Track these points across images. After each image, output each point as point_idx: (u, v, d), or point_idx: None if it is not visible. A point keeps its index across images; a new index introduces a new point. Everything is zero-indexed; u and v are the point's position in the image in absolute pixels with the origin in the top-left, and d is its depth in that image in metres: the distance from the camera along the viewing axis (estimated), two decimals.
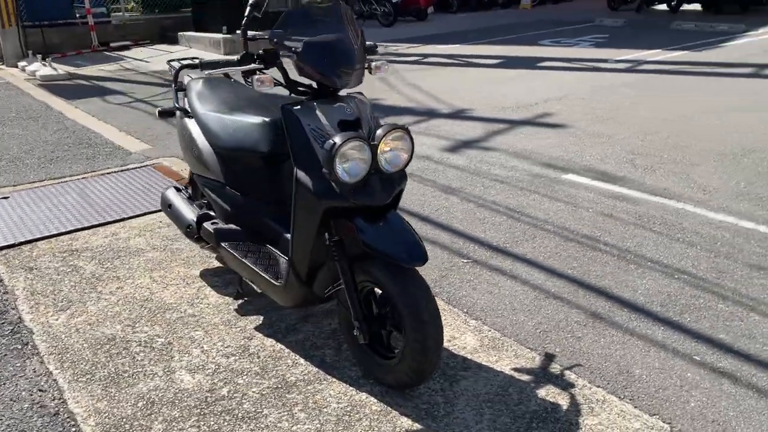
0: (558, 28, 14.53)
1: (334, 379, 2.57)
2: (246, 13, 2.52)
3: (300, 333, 2.90)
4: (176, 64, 3.32)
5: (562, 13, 17.43)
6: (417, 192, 4.68)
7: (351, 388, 2.51)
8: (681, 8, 16.65)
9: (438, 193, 4.67)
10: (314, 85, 2.42)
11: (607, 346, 2.78)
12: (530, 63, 10.02)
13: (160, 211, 4.20)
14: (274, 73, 2.47)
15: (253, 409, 2.41)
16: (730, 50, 10.82)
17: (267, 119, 2.77)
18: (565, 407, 2.36)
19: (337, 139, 2.18)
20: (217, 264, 3.53)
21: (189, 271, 3.53)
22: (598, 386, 2.50)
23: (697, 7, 16.91)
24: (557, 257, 3.61)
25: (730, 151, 5.37)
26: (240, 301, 3.19)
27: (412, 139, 2.33)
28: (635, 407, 2.37)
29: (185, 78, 3.31)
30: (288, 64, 2.44)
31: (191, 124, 3.10)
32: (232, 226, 2.94)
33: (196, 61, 3.18)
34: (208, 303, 3.19)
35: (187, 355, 2.76)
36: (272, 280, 2.64)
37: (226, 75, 3.40)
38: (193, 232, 3.16)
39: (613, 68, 9.36)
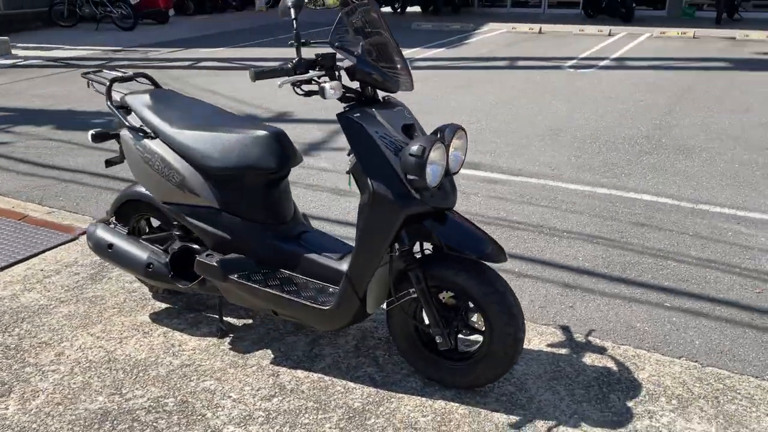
0: (310, 30, 14.92)
1: (400, 394, 2.47)
2: (294, 16, 2.26)
3: (326, 357, 2.70)
4: (100, 78, 2.82)
5: (303, 15, 17.91)
6: (315, 200, 4.56)
7: (422, 398, 2.44)
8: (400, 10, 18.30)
9: (332, 195, 4.60)
10: (358, 89, 2.29)
11: (597, 309, 3.11)
12: None
13: (28, 258, 3.51)
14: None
15: None
16: (477, 46, 12.33)
17: (268, 132, 2.53)
18: (615, 368, 2.61)
19: (427, 144, 2.11)
20: (160, 305, 3.08)
21: (134, 318, 3.00)
22: (623, 344, 2.80)
23: (416, 9, 18.77)
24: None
25: (545, 132, 6.21)
26: (227, 339, 2.84)
27: (467, 138, 2.35)
28: (663, 355, 2.72)
29: (117, 94, 2.81)
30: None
31: (157, 146, 2.65)
32: (236, 255, 2.61)
33: (129, 72, 2.76)
34: (192, 348, 2.78)
35: (220, 408, 2.40)
36: (314, 305, 2.43)
37: (153, 82, 2.98)
38: (160, 272, 2.73)
39: None
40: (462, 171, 5.06)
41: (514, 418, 2.33)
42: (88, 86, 2.95)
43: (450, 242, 2.23)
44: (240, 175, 2.55)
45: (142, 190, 2.95)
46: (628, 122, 6.51)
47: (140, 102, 2.73)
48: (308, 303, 2.44)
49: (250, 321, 2.97)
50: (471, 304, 2.37)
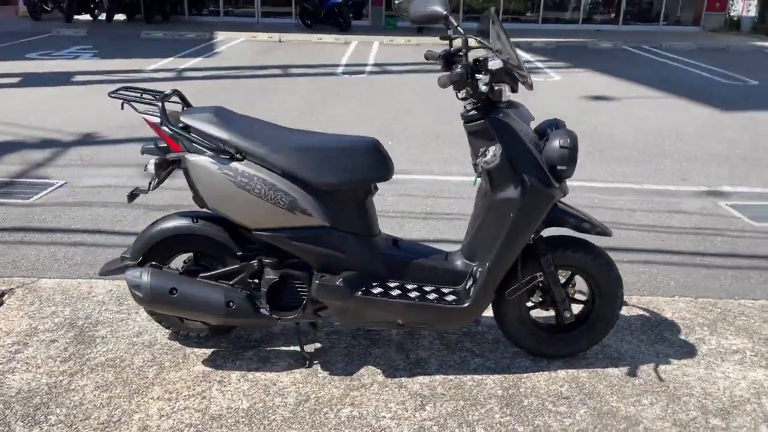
0: (19, 40, 12.99)
1: (526, 373, 2.63)
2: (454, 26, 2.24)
3: (429, 360, 2.71)
4: (130, 95, 2.43)
5: None
6: None
7: (546, 372, 2.65)
8: (101, 18, 16.81)
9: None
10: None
11: None
12: (62, 78, 9.03)
13: None
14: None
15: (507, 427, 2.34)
16: (233, 54, 12.20)
17: (371, 142, 2.49)
18: (647, 314, 3.14)
19: (571, 136, 2.35)
20: (199, 351, 2.73)
21: (188, 370, 2.60)
22: (651, 296, 3.36)
23: (122, 16, 17.42)
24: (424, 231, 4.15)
25: (390, 133, 6.61)
26: (317, 366, 2.66)
27: None
28: (663, 296, 3.35)
29: (171, 114, 2.44)
30: None
31: (254, 169, 2.35)
32: (350, 272, 2.48)
33: (168, 91, 2.48)
34: (291, 383, 2.54)
35: (388, 430, 2.29)
36: (450, 306, 2.47)
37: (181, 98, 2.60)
38: (244, 309, 2.48)
39: (162, 77, 9.37)
40: None
41: (623, 369, 2.69)
42: (122, 107, 2.44)
43: (579, 226, 2.51)
44: (351, 189, 2.44)
45: (187, 222, 2.57)
46: (445, 119, 7.27)
47: (208, 121, 2.40)
48: (442, 305, 2.46)
49: (314, 347, 2.80)
50: (579, 277, 2.66)
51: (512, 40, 2.39)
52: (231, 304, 2.47)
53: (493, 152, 2.38)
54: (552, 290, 2.57)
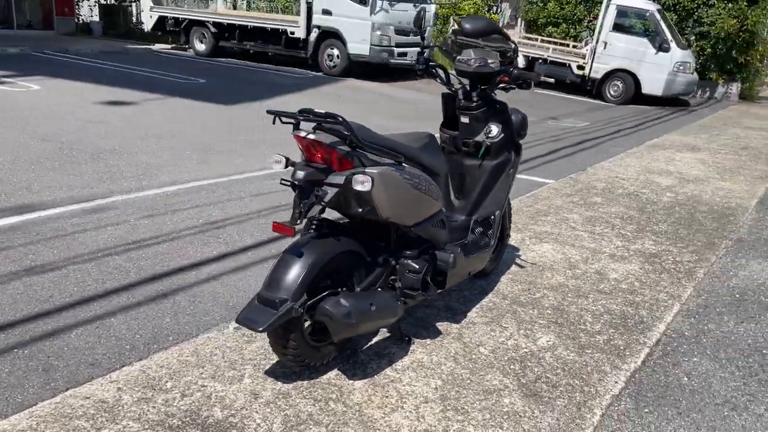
0: None
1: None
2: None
3: (507, 331, 3.46)
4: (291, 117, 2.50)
5: None
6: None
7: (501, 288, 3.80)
8: None
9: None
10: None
11: None
12: None
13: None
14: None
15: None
16: None
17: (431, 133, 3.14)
18: None
19: (522, 112, 3.56)
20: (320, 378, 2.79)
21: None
22: None
23: None
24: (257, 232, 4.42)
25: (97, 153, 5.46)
26: (423, 355, 3.08)
27: None
28: None
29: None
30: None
31: (414, 169, 2.68)
32: (452, 243, 3.09)
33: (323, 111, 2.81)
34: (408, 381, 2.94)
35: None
36: (489, 248, 3.39)
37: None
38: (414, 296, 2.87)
39: None
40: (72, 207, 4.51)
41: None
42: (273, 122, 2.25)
43: None
44: (443, 174, 3.02)
45: (330, 246, 2.57)
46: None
47: (368, 133, 2.54)
48: (490, 249, 3.39)
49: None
50: None
51: None
52: (402, 301, 2.71)
53: (496, 131, 3.33)
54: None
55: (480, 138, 3.34)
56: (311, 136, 2.44)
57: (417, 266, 2.85)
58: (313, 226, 2.65)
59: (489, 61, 3.28)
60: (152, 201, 4.96)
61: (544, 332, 3.32)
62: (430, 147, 2.94)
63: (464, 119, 3.35)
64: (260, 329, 2.41)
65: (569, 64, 15.01)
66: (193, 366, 2.79)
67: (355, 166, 2.49)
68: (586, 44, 15.55)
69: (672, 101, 14.80)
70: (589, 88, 14.86)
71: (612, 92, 14.53)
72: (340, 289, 2.64)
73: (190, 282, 3.67)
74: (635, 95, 14.24)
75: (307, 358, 2.67)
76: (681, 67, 13.96)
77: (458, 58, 3.36)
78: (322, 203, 2.48)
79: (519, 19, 18.96)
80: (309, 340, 2.67)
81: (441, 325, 3.28)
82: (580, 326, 3.43)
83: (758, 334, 3.55)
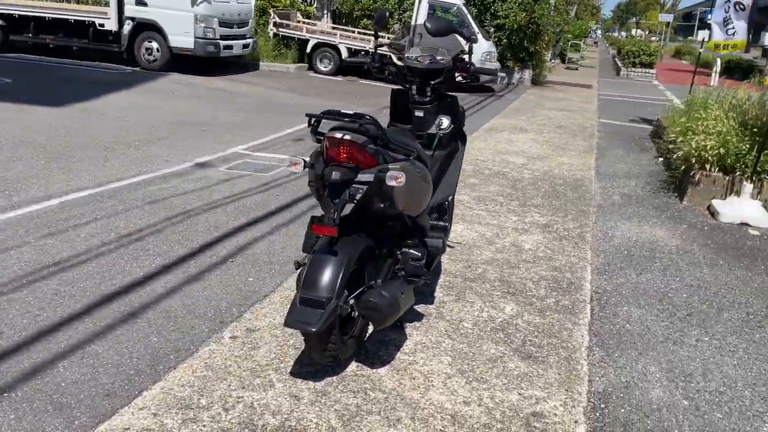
0: None
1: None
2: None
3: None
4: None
5: None
6: None
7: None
8: None
9: None
10: None
11: None
12: None
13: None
14: None
15: None
16: None
17: None
18: None
19: None
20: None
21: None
22: None
23: None
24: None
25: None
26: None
27: None
28: None
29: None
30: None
31: (419, 162, 2.89)
32: (434, 222, 3.30)
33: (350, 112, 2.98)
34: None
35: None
36: (445, 231, 3.66)
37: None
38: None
39: None
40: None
41: None
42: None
43: None
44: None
45: (355, 242, 2.68)
46: None
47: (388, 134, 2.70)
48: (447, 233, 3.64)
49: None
50: None
51: None
52: (417, 289, 2.90)
53: (447, 122, 3.58)
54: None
55: (433, 130, 3.58)
56: (347, 137, 2.51)
57: (419, 254, 3.04)
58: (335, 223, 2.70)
59: (438, 57, 3.53)
60: (42, 218, 4.49)
61: (505, 302, 3.70)
62: (416, 140, 3.14)
63: (418, 113, 3.56)
64: (315, 329, 2.45)
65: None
66: (215, 380, 2.72)
67: (379, 164, 2.61)
68: (403, 36, 16.39)
69: (479, 88, 16.21)
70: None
71: None
72: (372, 282, 2.75)
73: (152, 297, 3.47)
74: None
75: (340, 353, 2.75)
76: (488, 57, 15.34)
77: (407, 55, 3.56)
78: (354, 201, 2.57)
79: (325, 11, 19.30)
80: (339, 335, 2.74)
81: (419, 308, 3.49)
82: (530, 293, 3.86)
83: (657, 282, 4.28)
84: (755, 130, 6.05)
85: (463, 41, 3.66)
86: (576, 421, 2.64)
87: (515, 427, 2.56)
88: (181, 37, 13.20)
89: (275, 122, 8.92)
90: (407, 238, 3.05)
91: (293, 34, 16.28)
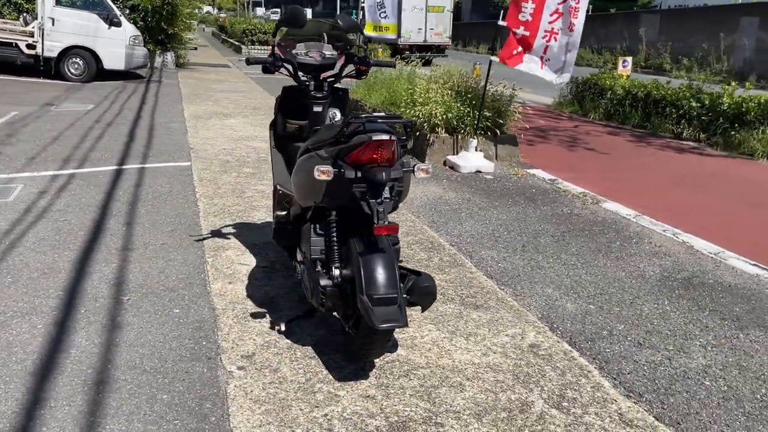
0: None
1: None
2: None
3: None
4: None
5: None
6: None
7: None
8: None
9: None
10: None
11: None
12: None
13: None
14: None
15: None
16: None
17: None
18: None
19: None
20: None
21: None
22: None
23: None
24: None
25: None
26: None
27: None
28: None
29: None
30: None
31: None
32: None
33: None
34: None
35: None
36: None
37: None
38: None
39: None
40: None
41: None
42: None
43: None
44: None
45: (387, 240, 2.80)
46: None
47: None
48: None
49: None
50: None
51: None
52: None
53: (339, 114, 3.70)
54: None
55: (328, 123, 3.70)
56: (393, 137, 2.59)
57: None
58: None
59: (327, 53, 3.66)
60: None
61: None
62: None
63: (317, 108, 3.64)
64: (404, 324, 2.55)
65: (17, 44, 13.54)
66: (281, 410, 2.57)
67: (397, 159, 2.76)
68: (26, 23, 14.24)
69: (130, 74, 15.20)
70: (43, 67, 13.81)
71: (73, 70, 13.91)
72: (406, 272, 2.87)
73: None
74: (98, 71, 14.06)
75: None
76: (136, 41, 14.46)
77: (295, 51, 3.60)
78: (394, 198, 2.69)
79: None
80: None
81: None
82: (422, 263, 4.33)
83: (479, 228, 5.15)
84: (470, 96, 7.43)
85: (351, 37, 3.82)
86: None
87: (533, 360, 3.07)
88: None
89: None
90: None
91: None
